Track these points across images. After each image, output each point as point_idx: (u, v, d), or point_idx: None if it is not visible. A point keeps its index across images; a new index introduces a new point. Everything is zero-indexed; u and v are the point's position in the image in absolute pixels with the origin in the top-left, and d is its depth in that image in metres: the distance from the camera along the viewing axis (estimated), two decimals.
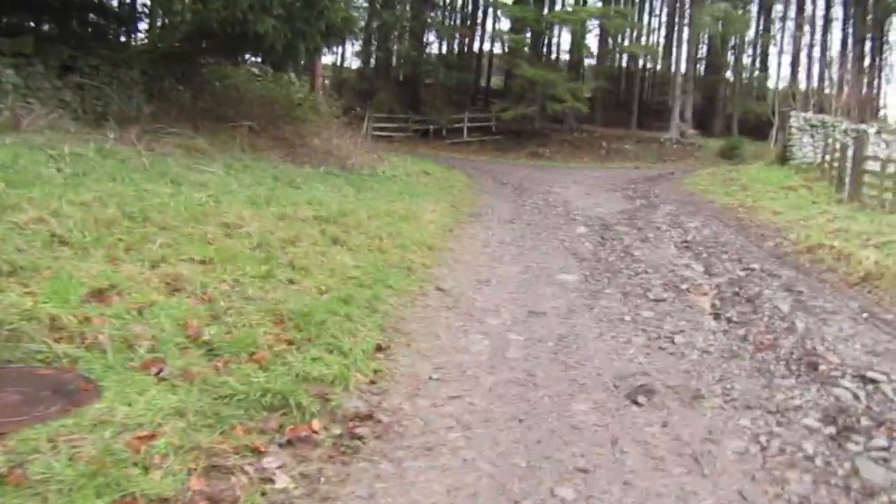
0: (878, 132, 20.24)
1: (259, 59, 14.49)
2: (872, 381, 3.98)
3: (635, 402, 3.60)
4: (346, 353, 3.72)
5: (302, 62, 14.91)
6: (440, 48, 38.40)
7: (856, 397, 3.77)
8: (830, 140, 18.80)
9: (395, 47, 31.35)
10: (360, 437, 2.96)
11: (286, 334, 3.74)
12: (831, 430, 3.36)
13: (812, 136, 20.21)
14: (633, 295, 5.97)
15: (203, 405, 2.77)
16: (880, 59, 41.24)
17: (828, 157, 18.44)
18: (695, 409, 3.57)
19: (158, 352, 3.14)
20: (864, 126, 20.58)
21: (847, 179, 14.59)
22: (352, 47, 35.16)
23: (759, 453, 3.11)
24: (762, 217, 10.79)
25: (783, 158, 20.19)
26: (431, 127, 29.22)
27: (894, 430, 3.35)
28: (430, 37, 32.72)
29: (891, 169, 12.51)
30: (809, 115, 20.80)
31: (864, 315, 5.38)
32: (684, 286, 6.39)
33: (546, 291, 5.95)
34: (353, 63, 35.92)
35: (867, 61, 39.33)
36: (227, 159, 9.51)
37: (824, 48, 40.67)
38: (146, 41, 13.51)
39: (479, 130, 30.07)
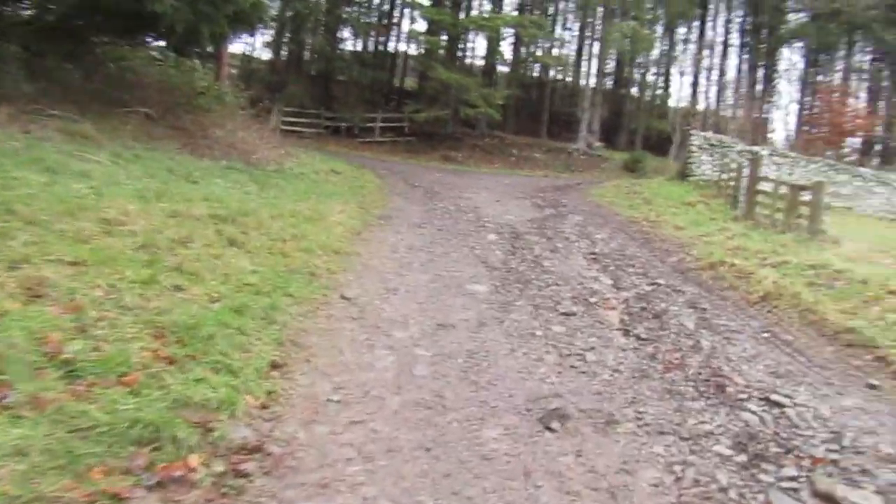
0: (771, 154, 21.48)
1: (162, 43, 13.56)
2: (777, 404, 3.99)
3: (548, 428, 3.42)
4: (236, 372, 3.33)
5: (208, 48, 14.08)
6: (355, 45, 37.89)
7: (763, 422, 3.75)
8: (727, 160, 19.77)
9: (309, 41, 30.52)
10: (245, 475, 2.60)
11: (166, 350, 3.31)
12: (742, 458, 3.29)
13: (711, 155, 21.19)
14: (544, 308, 5.84)
15: (53, 441, 2.33)
16: (770, 86, 44.22)
17: (724, 176, 19.35)
18: (608, 435, 3.42)
19: (4, 373, 2.65)
20: (757, 148, 21.78)
21: (742, 198, 15.33)
22: (262, 37, 34.07)
23: (673, 485, 2.99)
24: (666, 231, 11.06)
25: (683, 175, 21.05)
26: (343, 124, 28.63)
27: (802, 458, 3.32)
28: (345, 33, 32.13)
29: (782, 190, 13.21)
30: (709, 134, 21.80)
31: (766, 335, 5.48)
32: (593, 300, 6.34)
33: (456, 302, 5.72)
34: (265, 54, 34.76)
35: (759, 87, 42.08)
36: (117, 147, 8.73)
37: (722, 72, 43.03)
38: (30, 13, 12.29)
39: (391, 131, 29.76)
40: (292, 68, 28.00)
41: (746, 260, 7.78)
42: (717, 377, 4.44)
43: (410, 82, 44.68)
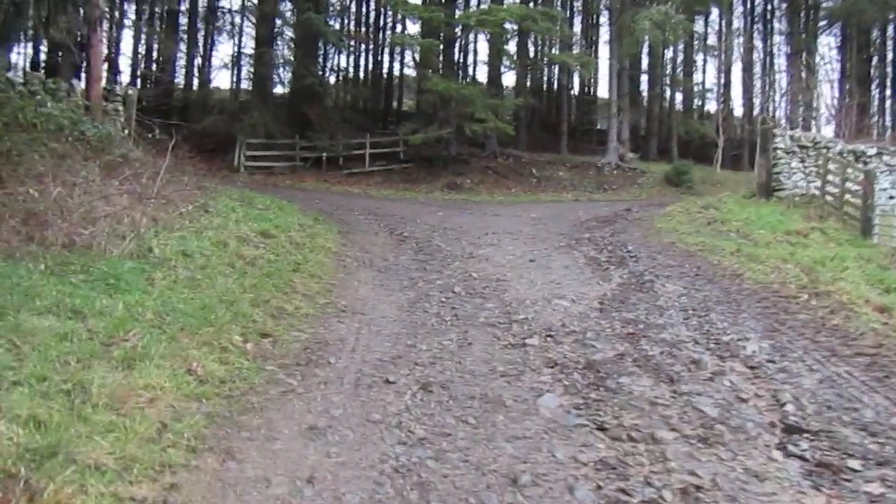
0: (879, 154, 15.99)
1: None
2: None
3: None
4: None
5: None
6: (337, 60, 32.97)
7: None
8: (832, 166, 14.39)
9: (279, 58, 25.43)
10: None
11: None
12: None
13: (802, 161, 15.75)
14: None
15: None
16: (812, 76, 38.65)
17: (832, 189, 13.96)
18: None
19: None
20: (861, 146, 16.31)
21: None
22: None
23: None
24: (876, 325, 5.65)
25: (769, 189, 15.60)
26: (325, 154, 23.45)
27: None
28: (324, 47, 27.10)
29: None
30: (798, 133, 16.36)
31: None
32: None
33: None
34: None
35: (803, 76, 36.54)
36: None
37: (770, 64, 37.65)
38: None
39: (384, 158, 24.52)
40: (255, 92, 22.96)
41: None
42: None
43: (409, 104, 39.56)
